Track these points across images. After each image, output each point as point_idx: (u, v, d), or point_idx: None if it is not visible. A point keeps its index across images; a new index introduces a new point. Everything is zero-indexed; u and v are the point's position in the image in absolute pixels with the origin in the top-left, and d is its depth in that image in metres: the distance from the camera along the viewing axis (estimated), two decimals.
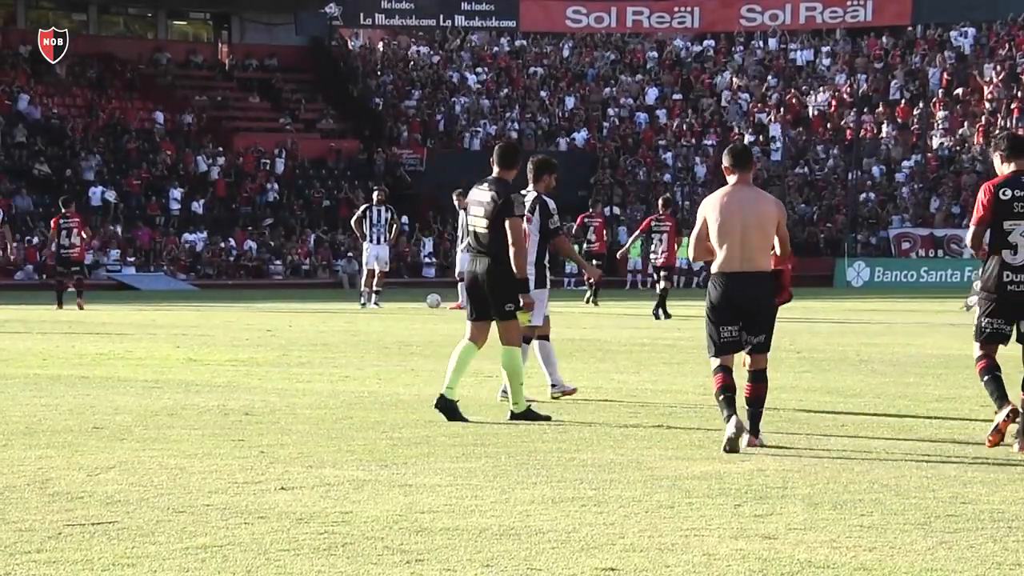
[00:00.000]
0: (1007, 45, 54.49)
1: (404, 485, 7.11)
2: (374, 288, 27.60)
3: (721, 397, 8.64)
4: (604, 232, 32.22)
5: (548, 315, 11.34)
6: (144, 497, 6.75)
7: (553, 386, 11.17)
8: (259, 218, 48.89)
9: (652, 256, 24.40)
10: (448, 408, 9.79)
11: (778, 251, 8.72)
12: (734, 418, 8.47)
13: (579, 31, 59.89)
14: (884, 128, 52.96)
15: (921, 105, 53.07)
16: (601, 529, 6.01)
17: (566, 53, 59.29)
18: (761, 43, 58.60)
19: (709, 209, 8.72)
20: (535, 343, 11.19)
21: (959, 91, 53.23)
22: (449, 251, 42.01)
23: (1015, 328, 8.55)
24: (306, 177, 51.28)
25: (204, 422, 9.65)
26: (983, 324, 8.64)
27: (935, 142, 52.08)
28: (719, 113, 55.32)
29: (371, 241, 27.45)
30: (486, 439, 8.82)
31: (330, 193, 50.70)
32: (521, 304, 9.84)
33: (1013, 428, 8.52)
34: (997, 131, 51.28)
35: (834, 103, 54.60)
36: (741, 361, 8.85)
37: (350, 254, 44.50)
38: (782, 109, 54.79)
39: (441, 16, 59.19)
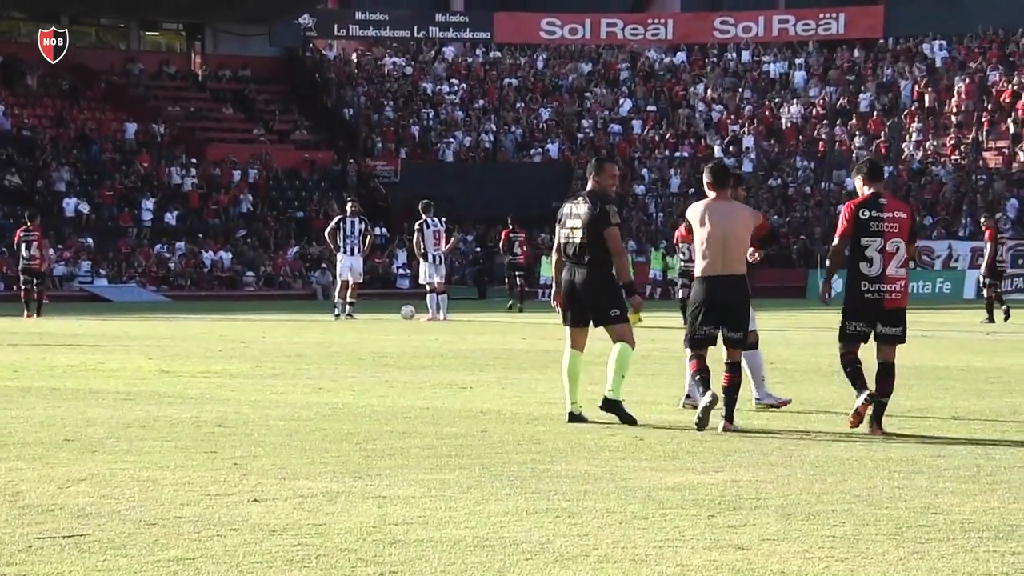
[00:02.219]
0: (978, 58, 54.86)
1: (378, 497, 7.09)
2: (348, 299, 27.58)
3: (697, 377, 9.97)
4: (526, 246, 35.37)
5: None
6: (116, 509, 6.72)
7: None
8: (232, 229, 48.76)
9: (681, 264, 24.57)
10: (579, 419, 10.25)
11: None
12: (710, 393, 9.70)
13: (553, 43, 60.02)
14: (856, 140, 53.23)
15: (893, 117, 53.37)
16: (575, 540, 6.02)
17: (540, 65, 59.40)
18: (734, 55, 58.85)
19: (694, 217, 10.00)
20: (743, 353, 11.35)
21: (931, 103, 53.57)
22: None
23: (873, 329, 9.75)
24: (280, 188, 51.18)
25: (177, 434, 9.61)
26: (847, 327, 9.79)
27: (907, 154, 52.38)
28: (693, 125, 55.50)
29: (345, 252, 27.44)
30: (460, 450, 8.81)
31: (304, 204, 50.62)
32: (632, 307, 10.34)
33: (871, 411, 9.65)
34: (968, 143, 51.71)
35: (809, 116, 54.86)
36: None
37: (324, 265, 44.43)
38: (755, 121, 55.00)
39: (415, 27, 59.23)
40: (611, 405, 10.24)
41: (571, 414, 10.29)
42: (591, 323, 10.40)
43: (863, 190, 9.83)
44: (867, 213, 9.66)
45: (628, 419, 10.18)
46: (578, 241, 10.24)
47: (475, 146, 54.84)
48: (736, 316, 9.84)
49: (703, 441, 9.35)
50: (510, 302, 33.16)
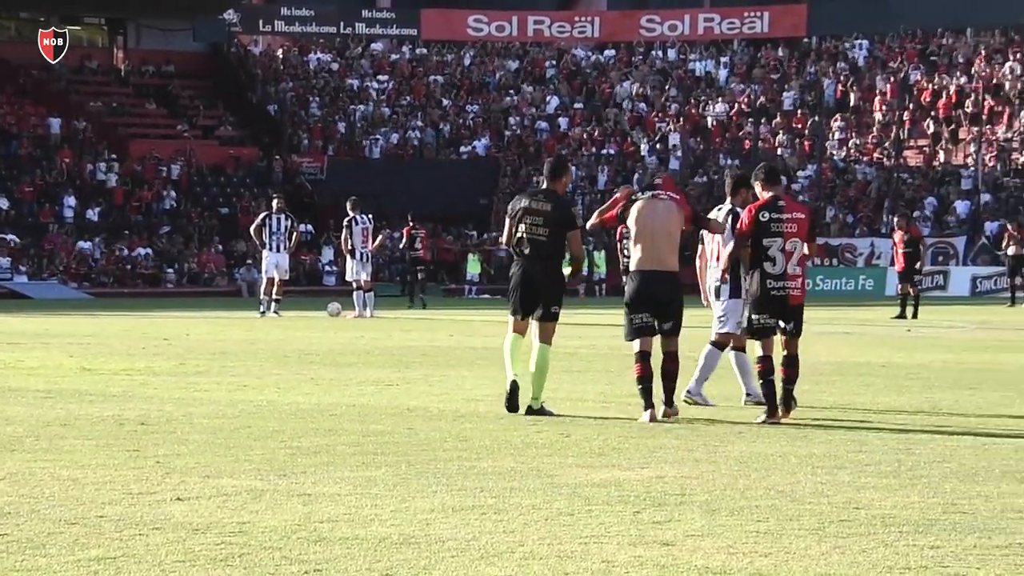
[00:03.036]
0: (899, 57, 55.60)
1: (303, 494, 7.05)
2: (273, 296, 27.42)
3: (640, 387, 10.31)
4: (427, 242, 36.93)
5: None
6: (35, 509, 6.62)
7: (748, 395, 11.44)
8: (156, 226, 48.25)
9: (624, 263, 24.80)
10: (517, 390, 10.53)
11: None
12: (650, 411, 10.18)
13: (480, 40, 59.99)
14: (780, 138, 53.75)
15: (816, 116, 53.95)
16: (501, 537, 6.02)
17: (467, 62, 59.34)
18: (661, 53, 59.16)
19: (632, 213, 10.44)
20: (731, 354, 11.50)
21: (854, 101, 54.20)
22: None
23: (778, 325, 10.36)
24: (204, 184, 50.73)
25: (98, 432, 9.50)
26: (753, 321, 10.40)
27: (829, 152, 52.97)
28: (620, 122, 55.73)
29: (270, 249, 27.28)
30: (386, 448, 8.79)
31: (229, 201, 50.21)
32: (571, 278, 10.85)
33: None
34: (890, 142, 52.38)
35: (733, 114, 55.30)
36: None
37: (249, 262, 44.11)
38: (681, 119, 55.34)
39: (342, 23, 58.93)
40: (535, 412, 10.58)
41: (513, 383, 10.54)
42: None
43: (762, 194, 10.47)
44: (767, 215, 10.33)
45: (548, 413, 10.60)
46: (540, 238, 10.64)
47: (403, 143, 54.69)
48: (668, 308, 10.31)
49: (629, 438, 9.40)
50: (409, 302, 33.45)
